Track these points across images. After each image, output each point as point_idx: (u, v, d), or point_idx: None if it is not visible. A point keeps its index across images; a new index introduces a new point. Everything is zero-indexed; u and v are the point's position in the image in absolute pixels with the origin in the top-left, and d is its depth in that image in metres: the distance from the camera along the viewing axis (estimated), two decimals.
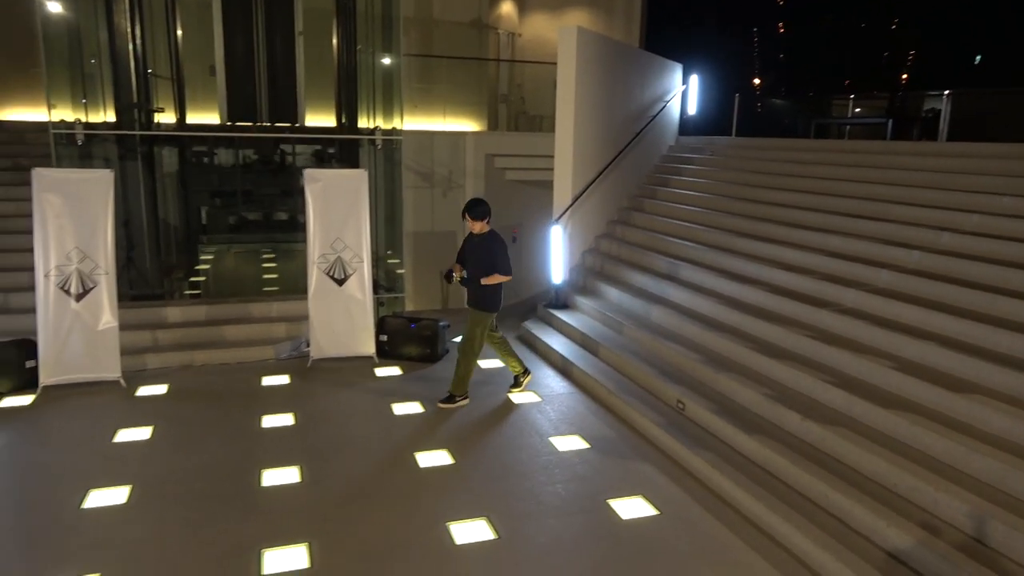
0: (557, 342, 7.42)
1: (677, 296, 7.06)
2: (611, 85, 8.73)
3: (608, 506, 4.45)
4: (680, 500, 4.56)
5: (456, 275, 5.80)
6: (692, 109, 10.91)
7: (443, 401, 6.02)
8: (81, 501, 4.40)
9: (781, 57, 33.14)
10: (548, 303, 8.37)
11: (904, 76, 26.97)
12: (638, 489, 4.67)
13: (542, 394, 6.35)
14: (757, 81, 32.25)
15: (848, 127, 15.87)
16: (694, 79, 10.77)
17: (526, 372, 6.41)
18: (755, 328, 5.99)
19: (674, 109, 10.68)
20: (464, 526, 4.20)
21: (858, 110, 17.20)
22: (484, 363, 7.14)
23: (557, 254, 8.19)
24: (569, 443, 5.36)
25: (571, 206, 8.44)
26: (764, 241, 7.05)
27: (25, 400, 5.98)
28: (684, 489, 4.69)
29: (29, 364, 6.20)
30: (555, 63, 8.29)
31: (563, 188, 8.54)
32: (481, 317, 5.87)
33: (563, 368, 6.99)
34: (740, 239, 7.30)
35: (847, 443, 4.43)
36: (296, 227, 9.24)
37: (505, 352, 6.32)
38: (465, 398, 6.06)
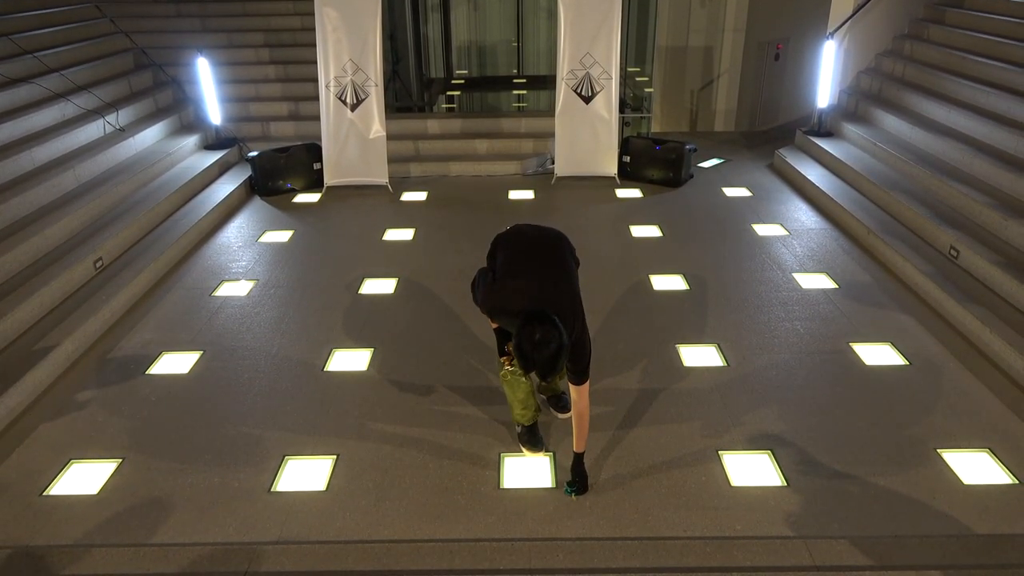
0: (814, 173, 6.82)
1: (972, 127, 6.03)
2: None
3: (850, 349, 4.22)
4: (935, 353, 4.18)
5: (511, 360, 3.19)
6: None
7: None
8: (359, 286, 5.13)
9: None
10: (809, 129, 7.62)
11: None
12: (887, 337, 4.35)
13: (789, 228, 5.97)
14: None
15: None
16: None
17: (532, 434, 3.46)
18: None
19: None
20: (694, 350, 4.26)
21: None
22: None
23: (827, 74, 7.29)
24: (814, 281, 5.06)
25: (852, 17, 7.34)
26: None
27: (313, 197, 6.91)
28: (942, 343, 4.28)
29: (316, 166, 7.09)
30: None
31: None
32: None
33: (816, 201, 6.46)
34: None
35: None
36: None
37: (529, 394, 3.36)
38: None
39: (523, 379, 3.27)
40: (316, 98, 7.04)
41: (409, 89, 9.29)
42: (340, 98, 6.80)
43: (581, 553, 2.87)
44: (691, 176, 7.25)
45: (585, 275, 5.20)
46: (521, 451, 3.44)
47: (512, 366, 3.23)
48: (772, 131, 9.49)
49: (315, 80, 7.05)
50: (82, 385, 4.01)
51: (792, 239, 5.77)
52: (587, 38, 6.79)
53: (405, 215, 6.47)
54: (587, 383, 3.02)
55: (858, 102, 7.52)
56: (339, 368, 4.16)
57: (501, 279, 3.10)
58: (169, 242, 5.54)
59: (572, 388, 3.06)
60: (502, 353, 3.33)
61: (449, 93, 10.49)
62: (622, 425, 3.61)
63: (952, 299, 4.49)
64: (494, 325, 3.38)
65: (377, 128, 6.89)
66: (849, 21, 7.38)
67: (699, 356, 4.20)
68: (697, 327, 4.52)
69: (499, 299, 3.04)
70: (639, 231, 6.01)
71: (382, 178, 7.04)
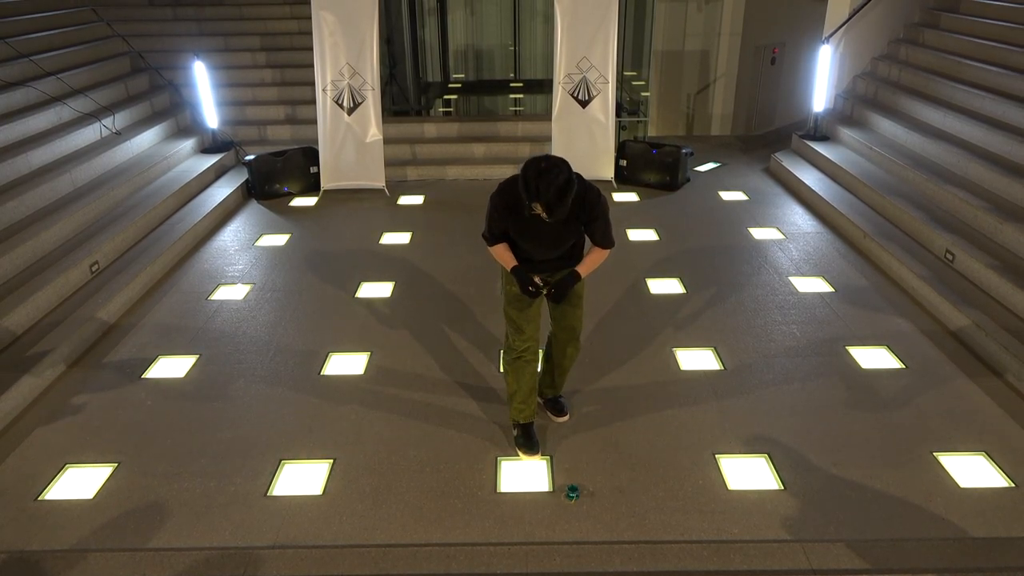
0: (810, 177, 6.83)
1: (967, 131, 6.05)
2: None
3: (847, 352, 4.23)
4: (932, 357, 4.19)
5: (543, 286, 3.21)
6: None
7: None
8: (356, 290, 5.12)
9: None
10: (805, 134, 7.64)
11: None
12: (884, 340, 4.36)
13: (786, 232, 5.99)
14: None
15: None
16: None
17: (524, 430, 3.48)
18: None
19: None
20: (690, 353, 4.26)
21: None
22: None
23: (823, 79, 7.32)
24: (811, 285, 5.07)
25: (847, 21, 7.37)
26: None
27: (310, 201, 6.91)
28: (939, 346, 4.29)
29: (313, 170, 7.09)
30: None
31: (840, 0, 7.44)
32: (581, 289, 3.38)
33: (813, 205, 6.48)
34: None
35: None
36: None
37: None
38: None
39: (528, 364, 3.33)
40: (313, 102, 7.05)
41: (406, 93, 9.30)
42: (337, 102, 6.81)
43: (578, 557, 2.86)
44: (687, 180, 7.27)
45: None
46: (517, 455, 3.43)
47: (543, 282, 3.18)
48: (768, 135, 9.52)
49: (312, 84, 7.05)
50: (78, 389, 4.00)
51: (788, 243, 5.78)
52: (584, 42, 6.80)
53: (402, 219, 6.47)
54: (611, 248, 3.19)
55: (854, 106, 7.55)
56: (336, 372, 4.15)
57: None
58: (165, 246, 5.53)
59: (596, 251, 3.18)
60: (527, 292, 3.15)
61: (446, 97, 10.50)
62: (619, 428, 3.61)
63: (948, 302, 4.51)
64: (511, 265, 3.16)
65: (374, 132, 6.89)
66: (845, 25, 7.41)
67: (696, 359, 4.20)
68: (694, 330, 4.52)
69: (504, 190, 3.05)
70: (636, 235, 6.01)
71: (379, 182, 7.04)
